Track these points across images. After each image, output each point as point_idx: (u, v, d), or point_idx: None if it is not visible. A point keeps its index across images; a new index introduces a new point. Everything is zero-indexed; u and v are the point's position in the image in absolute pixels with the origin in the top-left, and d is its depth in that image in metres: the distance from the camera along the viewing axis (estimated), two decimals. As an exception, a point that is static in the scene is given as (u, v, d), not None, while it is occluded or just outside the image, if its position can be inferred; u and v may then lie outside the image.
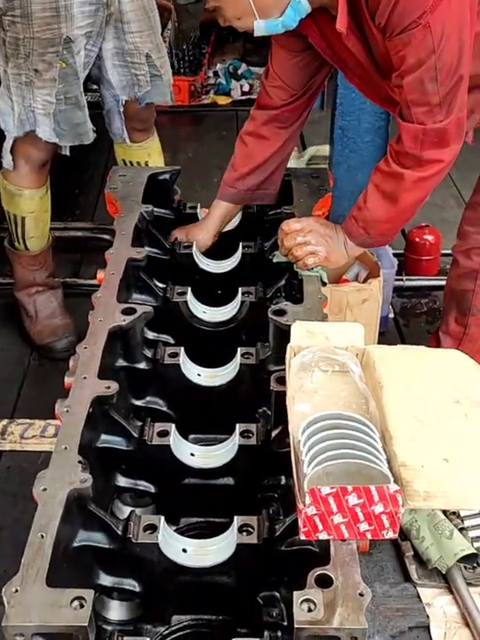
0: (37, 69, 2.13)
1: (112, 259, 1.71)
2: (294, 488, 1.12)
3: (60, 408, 1.31)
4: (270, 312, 1.56)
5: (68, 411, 1.31)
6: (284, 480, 1.44)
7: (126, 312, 1.54)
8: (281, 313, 1.56)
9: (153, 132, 2.59)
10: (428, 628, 1.75)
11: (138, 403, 1.63)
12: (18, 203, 2.36)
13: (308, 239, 1.71)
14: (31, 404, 2.34)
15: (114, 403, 1.36)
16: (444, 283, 2.82)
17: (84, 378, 1.37)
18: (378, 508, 1.06)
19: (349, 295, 2.20)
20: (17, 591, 1.01)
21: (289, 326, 1.50)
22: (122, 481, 1.47)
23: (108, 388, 1.35)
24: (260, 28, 1.59)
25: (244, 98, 4.26)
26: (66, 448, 1.23)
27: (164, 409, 1.65)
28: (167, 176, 2.06)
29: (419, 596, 1.81)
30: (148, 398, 1.64)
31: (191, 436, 1.65)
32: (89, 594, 1.02)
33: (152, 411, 1.64)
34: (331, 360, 1.36)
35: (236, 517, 1.26)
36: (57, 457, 1.22)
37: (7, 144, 2.28)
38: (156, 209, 1.95)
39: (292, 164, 3.19)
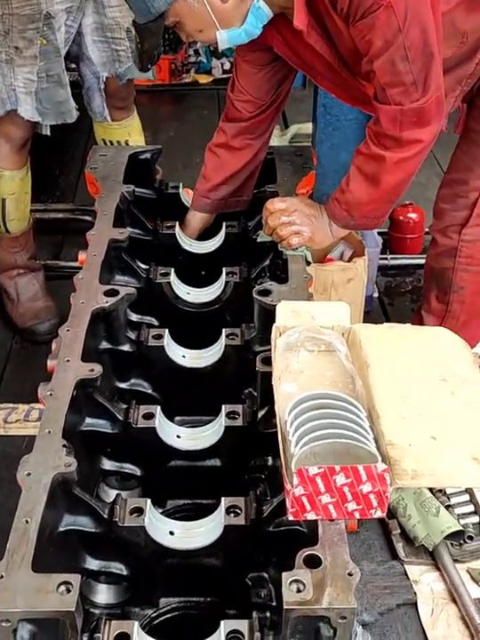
0: (18, 47, 2.08)
1: (93, 240, 1.68)
2: (282, 468, 1.11)
3: (43, 392, 1.29)
4: (255, 292, 1.55)
5: (51, 394, 1.29)
6: (270, 461, 1.43)
7: (109, 294, 1.52)
8: (266, 293, 1.54)
9: (133, 111, 2.55)
10: (415, 604, 1.75)
11: (122, 385, 1.62)
12: None
13: (292, 219, 1.70)
14: (14, 387, 2.31)
15: (98, 385, 1.34)
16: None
17: (67, 361, 1.35)
18: (366, 488, 1.06)
19: (334, 274, 2.18)
20: (2, 577, 1.00)
21: (274, 306, 1.49)
22: (107, 464, 1.46)
23: (92, 370, 1.34)
24: (224, 39, 1.56)
25: (225, 76, 4.20)
26: (50, 432, 1.21)
27: (149, 391, 1.64)
28: (148, 155, 2.03)
29: (406, 574, 1.81)
30: (132, 380, 1.63)
31: (177, 418, 1.64)
32: (76, 578, 1.01)
33: (137, 393, 1.63)
34: (316, 340, 1.35)
35: (223, 499, 1.25)
36: (41, 441, 1.20)
37: None
38: (137, 189, 1.93)
39: (274, 142, 3.16)
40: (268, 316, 1.51)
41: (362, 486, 1.06)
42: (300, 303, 1.40)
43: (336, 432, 1.12)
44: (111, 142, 2.50)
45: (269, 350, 1.48)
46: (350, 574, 1.03)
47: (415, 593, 1.77)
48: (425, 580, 1.80)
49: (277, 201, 1.74)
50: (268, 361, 1.37)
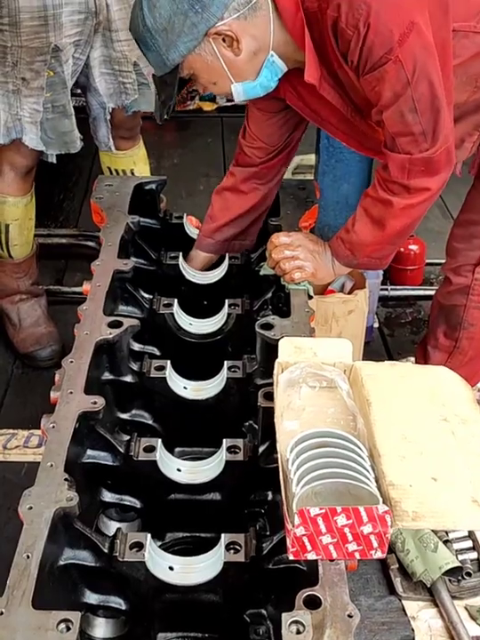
0: (25, 78, 2.11)
1: (98, 270, 1.69)
2: (283, 507, 1.12)
3: (45, 424, 1.30)
4: (257, 326, 1.56)
5: (53, 426, 1.29)
6: (270, 496, 1.44)
7: (113, 325, 1.53)
8: (268, 327, 1.55)
9: (139, 140, 2.57)
10: (413, 640, 1.75)
11: (124, 416, 1.62)
12: (2, 210, 2.33)
13: (296, 254, 1.71)
14: (14, 413, 2.31)
15: (100, 418, 1.35)
16: (428, 292, 2.85)
17: (71, 393, 1.36)
18: (366, 529, 1.06)
19: (335, 306, 2.20)
20: (2, 614, 1.00)
21: (276, 340, 1.50)
22: (107, 496, 1.46)
23: (95, 403, 1.34)
24: (239, 92, 1.59)
25: (229, 104, 4.25)
26: (52, 465, 1.22)
27: (150, 422, 1.64)
28: (153, 186, 2.05)
29: (404, 610, 1.81)
30: (134, 411, 1.63)
31: (177, 450, 1.64)
32: (76, 616, 1.00)
33: (138, 424, 1.63)
34: (318, 376, 1.35)
35: (223, 535, 1.25)
36: (43, 474, 1.20)
37: None
38: (142, 219, 1.95)
39: (278, 172, 3.20)
40: (270, 349, 1.53)
41: (363, 527, 1.06)
42: (303, 339, 1.41)
43: (337, 471, 1.13)
44: (116, 171, 2.52)
45: (271, 384, 1.48)
46: (350, 616, 1.03)
47: (413, 629, 1.77)
48: (423, 617, 1.79)
49: (282, 235, 1.76)
50: (269, 396, 1.38)
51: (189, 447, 1.67)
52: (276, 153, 1.87)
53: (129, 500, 1.46)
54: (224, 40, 1.50)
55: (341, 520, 1.05)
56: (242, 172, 1.90)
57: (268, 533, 1.39)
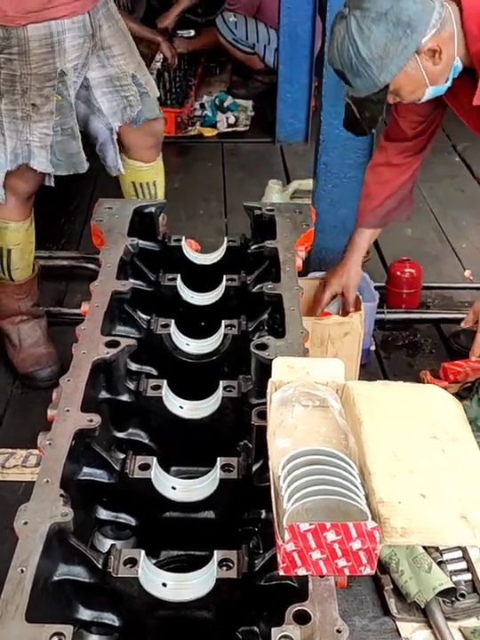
0: (35, 104, 2.16)
1: (97, 291, 1.72)
2: (274, 523, 1.13)
3: (42, 441, 1.32)
4: (252, 346, 1.58)
5: (50, 443, 1.31)
6: (264, 514, 1.46)
7: (110, 345, 1.56)
8: (263, 347, 1.58)
9: (160, 151, 2.63)
10: (407, 662, 1.75)
11: (120, 435, 1.64)
12: (3, 235, 2.37)
13: None
14: (13, 432, 2.33)
15: (96, 436, 1.37)
16: (424, 316, 2.89)
17: (67, 411, 1.38)
18: (355, 545, 1.08)
19: (331, 328, 2.23)
20: (-4, 627, 1.02)
21: (270, 360, 1.52)
22: (103, 513, 1.47)
23: (91, 421, 1.36)
24: (430, 93, 1.89)
25: (229, 130, 4.32)
26: (47, 481, 1.24)
27: (146, 441, 1.66)
28: (152, 209, 2.09)
29: (398, 631, 1.81)
30: (130, 430, 1.65)
31: (173, 469, 1.66)
32: (68, 629, 1.02)
33: (134, 443, 1.65)
34: (311, 395, 1.38)
35: (216, 552, 1.27)
36: (39, 490, 1.22)
37: None
38: (141, 241, 1.98)
39: (275, 197, 3.26)
40: (265, 369, 1.55)
41: (352, 543, 1.08)
42: (296, 359, 1.43)
43: (328, 488, 1.15)
44: (140, 184, 2.59)
45: (265, 404, 1.51)
46: (339, 631, 1.05)
47: (407, 651, 1.77)
48: (417, 638, 1.80)
49: None
50: (263, 415, 1.40)
51: (185, 466, 1.69)
52: (428, 124, 2.10)
53: (124, 518, 1.48)
54: (427, 53, 1.79)
55: (331, 536, 1.07)
56: (395, 147, 2.14)
57: (260, 551, 1.41)
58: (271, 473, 1.21)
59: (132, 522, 1.48)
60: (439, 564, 1.87)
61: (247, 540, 1.47)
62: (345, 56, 1.81)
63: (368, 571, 1.11)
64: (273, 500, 1.17)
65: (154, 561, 1.48)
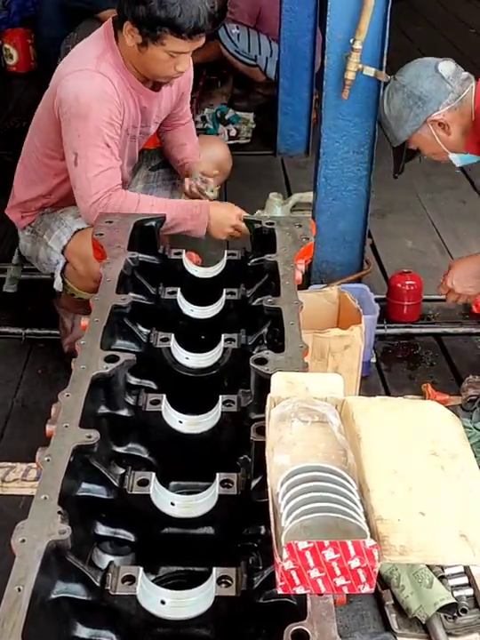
0: None
1: (97, 305, 1.72)
2: (272, 541, 1.13)
3: (41, 456, 1.32)
4: (252, 361, 1.58)
5: (48, 460, 1.31)
6: (263, 530, 1.45)
7: (109, 359, 1.55)
8: (262, 361, 1.57)
9: None
10: (408, 679, 1.74)
11: (119, 449, 1.64)
12: None
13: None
14: (13, 446, 2.33)
15: (95, 452, 1.37)
16: (424, 330, 2.88)
17: (66, 426, 1.38)
18: (354, 563, 1.07)
19: (331, 341, 2.22)
20: (-8, 646, 1.01)
21: (270, 375, 1.52)
22: (102, 529, 1.47)
23: (90, 437, 1.36)
24: (456, 159, 2.37)
25: (231, 142, 4.32)
26: (45, 498, 1.23)
27: (146, 456, 1.65)
28: (153, 223, 2.09)
29: (399, 647, 1.80)
30: (129, 445, 1.65)
31: (172, 484, 1.65)
32: (65, 649, 1.01)
33: (134, 457, 1.65)
34: (310, 411, 1.37)
35: (214, 569, 1.26)
36: (36, 507, 1.22)
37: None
38: (141, 255, 1.98)
39: (277, 211, 3.26)
40: (264, 384, 1.54)
41: (350, 561, 1.07)
42: (295, 374, 1.43)
43: (327, 506, 1.14)
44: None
45: (264, 419, 1.51)
46: (338, 651, 1.04)
47: (408, 667, 1.76)
48: (418, 654, 1.78)
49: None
50: (262, 431, 1.40)
51: (185, 481, 1.68)
52: None
53: (123, 534, 1.48)
54: (439, 125, 2.26)
55: (329, 554, 1.07)
56: None
57: (259, 567, 1.40)
58: (270, 490, 1.20)
59: (131, 537, 1.48)
60: (440, 579, 1.86)
61: (246, 556, 1.46)
62: (379, 111, 2.40)
63: (367, 589, 1.10)
64: (271, 517, 1.17)
65: (152, 577, 1.47)
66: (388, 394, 2.56)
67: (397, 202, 3.72)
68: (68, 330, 2.67)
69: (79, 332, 2.58)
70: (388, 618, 1.85)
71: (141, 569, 1.25)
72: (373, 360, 2.72)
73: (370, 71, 2.41)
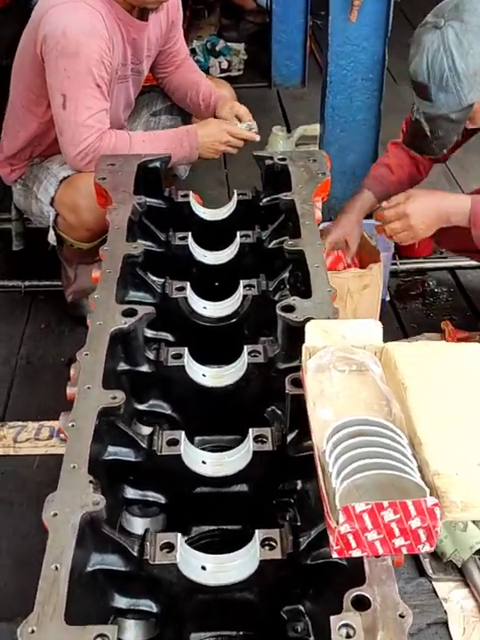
0: None
1: (107, 255, 1.61)
2: (323, 503, 1.05)
3: (64, 422, 1.23)
4: (278, 308, 1.48)
5: (73, 425, 1.22)
6: (300, 485, 1.38)
7: (127, 314, 1.45)
8: (289, 309, 1.48)
9: None
10: (446, 623, 1.70)
11: (141, 407, 1.56)
12: None
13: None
14: (22, 405, 2.24)
15: (120, 414, 1.28)
16: (438, 264, 2.79)
17: (88, 388, 1.29)
18: (415, 523, 1.00)
19: (350, 281, 2.13)
20: (33, 632, 0.94)
21: (299, 323, 1.43)
22: (130, 493, 1.40)
23: (114, 398, 1.27)
24: None
25: (223, 75, 4.12)
26: (74, 467, 1.15)
27: (169, 412, 1.58)
28: (157, 163, 1.96)
29: (434, 591, 1.76)
30: (151, 402, 1.57)
31: (197, 439, 1.58)
32: (112, 630, 0.95)
33: (156, 414, 1.57)
34: (349, 360, 1.29)
35: (257, 531, 1.19)
36: (66, 477, 1.14)
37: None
38: (147, 199, 1.86)
39: (280, 145, 3.11)
40: (293, 332, 1.46)
41: (411, 522, 1.00)
42: (331, 322, 1.34)
43: (379, 462, 1.06)
44: None
45: (294, 368, 1.43)
46: (402, 616, 0.98)
47: (445, 611, 1.72)
48: (454, 598, 1.75)
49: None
50: (297, 383, 1.31)
51: (209, 435, 1.61)
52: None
53: (152, 496, 1.40)
54: None
55: (388, 515, 0.99)
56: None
57: (298, 524, 1.34)
58: (315, 447, 1.13)
59: (162, 499, 1.41)
60: (475, 522, 1.81)
61: (283, 512, 1.40)
62: (436, 68, 1.75)
63: (427, 548, 1.03)
64: (320, 476, 1.09)
65: (185, 538, 1.41)
66: (404, 334, 2.48)
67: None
68: (71, 279, 2.54)
69: (82, 281, 2.51)
70: (421, 562, 1.80)
71: (179, 535, 1.18)
72: (387, 298, 2.63)
73: (380, -12, 2.24)
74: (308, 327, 1.31)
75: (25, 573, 1.77)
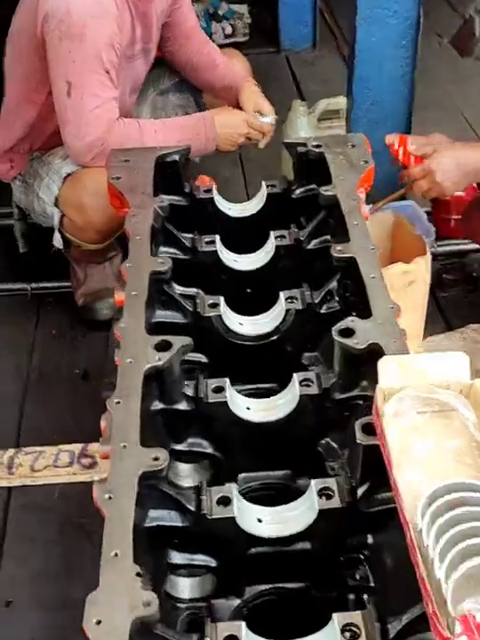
0: None
1: (131, 274, 1.40)
2: (428, 601, 0.86)
3: (100, 494, 1.03)
4: (335, 333, 1.27)
5: (110, 498, 1.02)
6: (370, 539, 1.19)
7: (160, 347, 1.25)
8: (348, 333, 1.27)
9: None
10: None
11: (179, 447, 1.36)
12: None
13: None
14: (36, 427, 2.04)
15: (164, 476, 1.09)
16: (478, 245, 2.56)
17: (124, 447, 1.09)
18: None
19: (394, 278, 1.90)
20: None
21: (360, 350, 1.24)
22: (176, 558, 1.20)
23: (156, 459, 1.07)
24: None
25: (227, 41, 3.85)
26: (116, 554, 0.96)
27: (210, 451, 1.38)
28: (176, 157, 1.73)
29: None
30: (190, 440, 1.37)
31: (241, 476, 1.39)
32: None
33: (195, 454, 1.37)
34: (429, 400, 1.09)
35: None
36: (107, 569, 0.94)
37: None
38: (168, 198, 1.65)
39: (303, 122, 2.85)
40: (352, 359, 1.26)
41: None
42: (409, 357, 1.13)
43: (491, 544, 0.87)
44: None
45: (351, 398, 1.29)
46: None
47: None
48: None
49: None
50: (370, 430, 1.11)
51: (255, 472, 1.42)
52: None
53: (201, 560, 1.21)
54: None
55: (515, 621, 0.80)
56: None
57: (370, 584, 1.16)
58: (409, 523, 0.93)
59: (213, 563, 1.21)
60: None
61: (352, 568, 1.21)
62: None
63: None
64: (419, 560, 0.90)
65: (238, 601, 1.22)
66: (448, 326, 2.27)
67: (427, 98, 3.31)
68: (81, 280, 2.34)
69: (94, 282, 2.30)
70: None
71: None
72: (425, 286, 2.41)
73: None
74: (382, 364, 1.10)
75: (54, 625, 1.61)
